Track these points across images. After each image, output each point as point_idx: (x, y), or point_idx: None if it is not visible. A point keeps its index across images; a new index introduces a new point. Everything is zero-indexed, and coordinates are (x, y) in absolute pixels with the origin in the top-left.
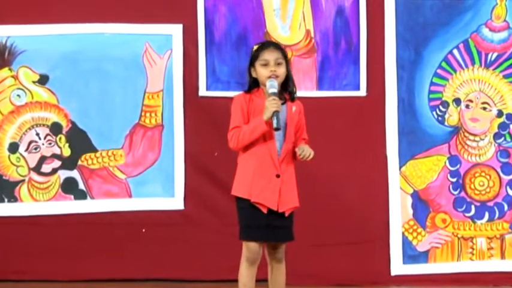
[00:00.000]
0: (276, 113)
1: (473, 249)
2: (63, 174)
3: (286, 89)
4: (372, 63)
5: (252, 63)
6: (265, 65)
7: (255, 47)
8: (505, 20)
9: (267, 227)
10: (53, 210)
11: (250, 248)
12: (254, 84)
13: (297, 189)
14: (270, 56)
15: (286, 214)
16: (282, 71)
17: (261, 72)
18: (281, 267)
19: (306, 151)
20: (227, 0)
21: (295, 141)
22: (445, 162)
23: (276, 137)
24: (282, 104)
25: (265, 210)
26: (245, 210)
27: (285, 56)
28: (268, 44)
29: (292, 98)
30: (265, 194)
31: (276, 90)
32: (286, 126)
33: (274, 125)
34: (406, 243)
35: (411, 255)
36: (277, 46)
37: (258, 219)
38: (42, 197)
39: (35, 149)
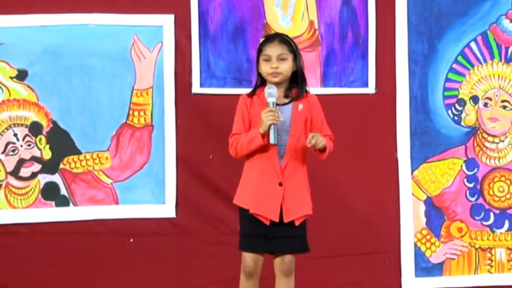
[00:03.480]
0: (272, 126)
1: (492, 260)
2: (44, 178)
3: (295, 84)
4: (381, 58)
5: (257, 58)
6: (267, 60)
7: (260, 41)
8: None
9: (265, 237)
10: (32, 218)
11: (244, 259)
12: (262, 81)
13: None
14: (272, 51)
15: (296, 223)
16: (286, 67)
17: (262, 68)
18: (287, 282)
19: (316, 137)
20: None
21: None
22: (462, 166)
23: (279, 141)
24: (288, 103)
25: (267, 222)
26: (244, 219)
27: (293, 50)
28: (273, 38)
29: (298, 96)
30: (265, 205)
31: (274, 100)
32: (290, 128)
33: (271, 141)
34: (418, 255)
35: (424, 267)
36: (284, 40)
37: (256, 229)
38: (21, 203)
39: (13, 151)
